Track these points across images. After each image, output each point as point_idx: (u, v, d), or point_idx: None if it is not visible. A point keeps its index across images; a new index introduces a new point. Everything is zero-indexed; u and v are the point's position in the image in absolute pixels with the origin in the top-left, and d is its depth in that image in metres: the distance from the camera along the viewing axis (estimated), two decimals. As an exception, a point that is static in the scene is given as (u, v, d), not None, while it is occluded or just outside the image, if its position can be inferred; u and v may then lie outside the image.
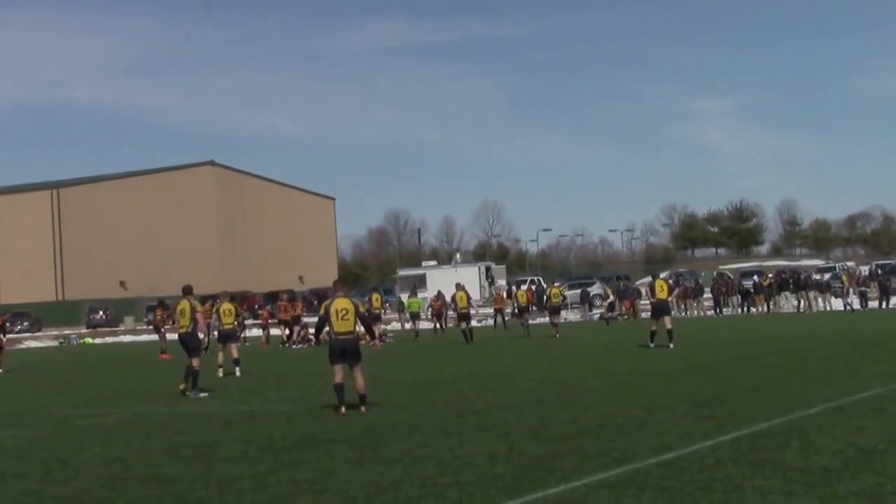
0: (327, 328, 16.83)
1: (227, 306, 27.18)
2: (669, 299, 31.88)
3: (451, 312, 49.31)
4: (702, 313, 60.07)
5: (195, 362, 21.71)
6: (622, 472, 10.11)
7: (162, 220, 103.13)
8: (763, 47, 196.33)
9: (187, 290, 22.89)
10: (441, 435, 13.37)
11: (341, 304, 16.47)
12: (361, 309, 16.88)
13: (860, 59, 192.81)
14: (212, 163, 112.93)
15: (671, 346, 28.37)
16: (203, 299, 36.22)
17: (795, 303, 57.09)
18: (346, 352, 16.42)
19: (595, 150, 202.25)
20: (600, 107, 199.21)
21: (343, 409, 16.27)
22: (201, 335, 24.39)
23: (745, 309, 57.88)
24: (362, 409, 16.50)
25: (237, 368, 26.47)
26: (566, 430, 13.14)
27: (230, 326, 27.28)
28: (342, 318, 16.36)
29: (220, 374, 25.73)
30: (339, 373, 16.46)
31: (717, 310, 59.21)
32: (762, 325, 42.01)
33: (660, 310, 29.70)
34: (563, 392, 18.24)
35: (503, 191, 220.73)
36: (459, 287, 40.47)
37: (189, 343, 22.12)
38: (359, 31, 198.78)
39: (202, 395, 21.42)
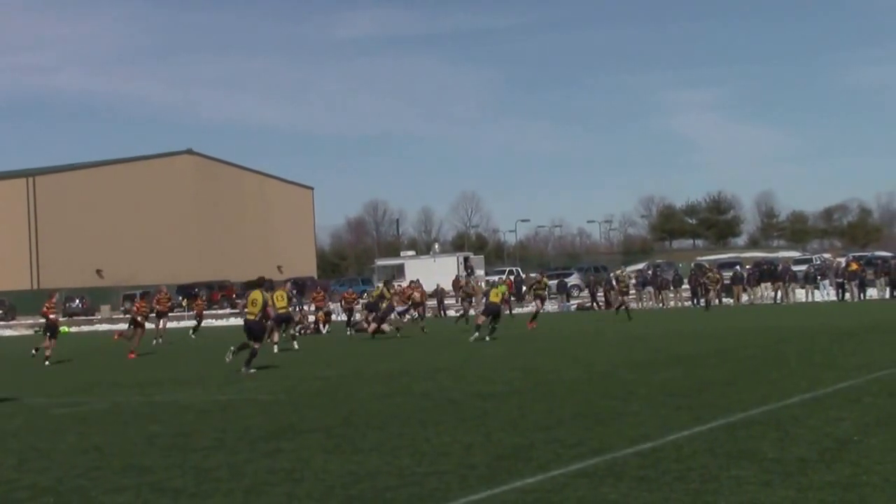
0: None
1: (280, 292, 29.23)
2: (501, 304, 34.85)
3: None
4: (679, 304, 60.27)
5: (256, 345, 24.03)
6: (600, 461, 10.11)
7: (139, 208, 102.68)
8: (742, 39, 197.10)
9: (259, 283, 24.85)
10: (418, 425, 13.36)
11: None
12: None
13: (839, 52, 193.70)
14: (190, 151, 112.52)
15: (488, 339, 31.67)
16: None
17: (773, 294, 57.34)
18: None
19: (574, 141, 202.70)
20: (579, 98, 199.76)
21: None
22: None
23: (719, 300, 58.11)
24: None
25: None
26: (544, 421, 13.13)
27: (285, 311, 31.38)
28: None
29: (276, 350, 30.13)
30: None
31: (695, 301, 59.39)
32: (740, 316, 42.13)
33: (492, 310, 32.91)
34: (540, 383, 18.25)
35: (482, 181, 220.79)
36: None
37: (255, 329, 24.12)
38: (341, 21, 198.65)
39: (252, 370, 23.39)
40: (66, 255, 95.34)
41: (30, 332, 69.40)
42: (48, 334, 31.95)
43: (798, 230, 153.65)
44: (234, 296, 79.71)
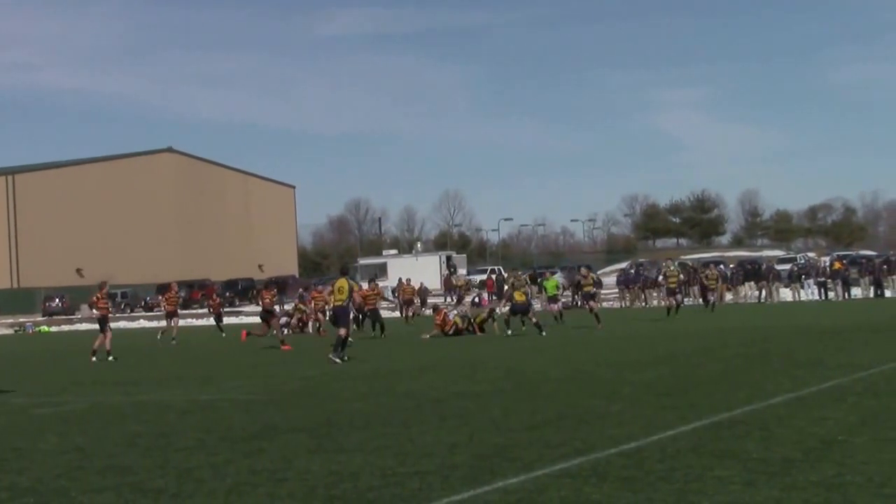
0: None
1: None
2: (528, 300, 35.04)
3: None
4: (663, 303, 60.26)
5: (342, 332, 25.03)
6: (583, 461, 10.07)
7: (120, 207, 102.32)
8: (727, 38, 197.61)
9: (345, 271, 26.97)
10: (401, 424, 13.29)
11: None
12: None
13: (823, 50, 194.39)
14: (170, 150, 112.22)
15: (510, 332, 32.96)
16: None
17: (757, 293, 57.43)
18: None
19: (557, 139, 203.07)
20: (563, 97, 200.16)
21: None
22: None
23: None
24: None
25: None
26: (527, 420, 13.09)
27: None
28: None
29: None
30: None
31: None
32: (724, 315, 42.15)
33: (520, 310, 33.30)
34: (524, 382, 18.21)
35: (465, 180, 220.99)
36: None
37: (340, 315, 25.55)
38: (324, 19, 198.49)
39: (344, 359, 24.40)
40: (47, 254, 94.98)
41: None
42: (105, 328, 30.16)
43: (782, 229, 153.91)
44: (214, 295, 79.57)
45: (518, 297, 33.28)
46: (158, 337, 41.23)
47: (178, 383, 21.42)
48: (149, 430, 14.09)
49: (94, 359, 29.59)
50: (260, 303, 39.70)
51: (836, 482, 8.69)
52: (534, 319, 33.31)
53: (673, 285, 41.05)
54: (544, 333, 32.29)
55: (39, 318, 79.12)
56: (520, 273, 43.26)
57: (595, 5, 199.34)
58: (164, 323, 45.53)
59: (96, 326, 31.92)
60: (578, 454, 10.47)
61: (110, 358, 29.56)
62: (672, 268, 42.70)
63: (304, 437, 12.60)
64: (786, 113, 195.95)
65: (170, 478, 10.39)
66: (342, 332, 25.10)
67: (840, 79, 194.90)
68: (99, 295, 30.83)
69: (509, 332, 32.56)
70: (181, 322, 46.49)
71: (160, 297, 47.67)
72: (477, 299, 58.11)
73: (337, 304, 25.71)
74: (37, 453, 12.48)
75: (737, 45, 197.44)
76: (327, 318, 47.20)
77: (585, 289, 38.41)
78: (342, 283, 25.76)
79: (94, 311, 31.04)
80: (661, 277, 44.16)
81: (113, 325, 42.87)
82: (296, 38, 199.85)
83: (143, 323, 67.19)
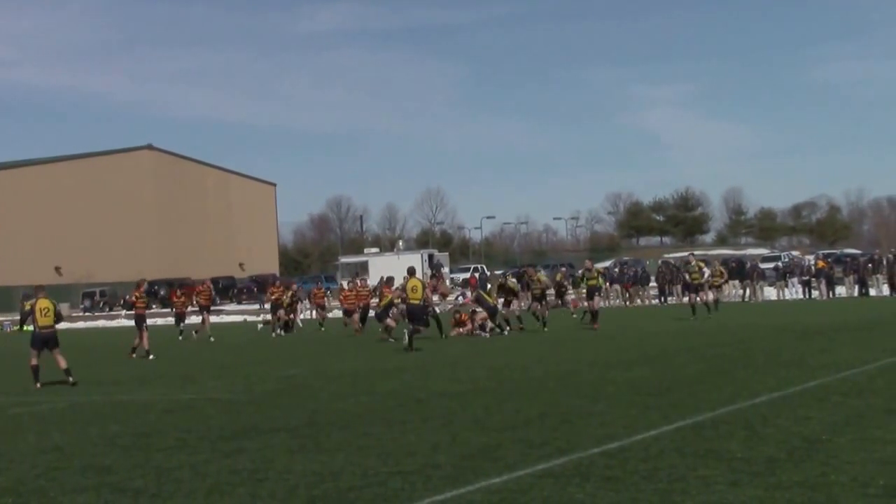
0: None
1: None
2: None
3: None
4: (647, 302, 60.30)
5: (420, 328, 27.17)
6: (566, 461, 10.03)
7: (98, 205, 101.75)
8: (711, 35, 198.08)
9: (412, 272, 28.30)
10: (383, 424, 13.24)
11: (44, 304, 21.35)
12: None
13: (808, 48, 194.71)
14: (150, 147, 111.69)
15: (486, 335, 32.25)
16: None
17: (741, 292, 57.48)
18: (48, 340, 21.30)
19: (540, 137, 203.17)
20: (546, 94, 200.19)
21: (39, 385, 21.04)
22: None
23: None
24: (70, 379, 21.06)
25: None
26: (510, 420, 13.05)
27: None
28: (44, 315, 21.19)
29: None
30: (36, 357, 21.25)
31: (662, 298, 59.44)
32: (707, 314, 42.10)
33: (493, 310, 32.92)
34: (506, 382, 18.17)
35: (447, 178, 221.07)
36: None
37: (417, 313, 27.20)
38: (305, 16, 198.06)
39: (414, 349, 25.87)
40: (24, 252, 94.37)
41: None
42: (142, 327, 29.76)
43: (766, 227, 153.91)
44: (195, 293, 79.38)
45: (490, 300, 33.17)
46: (209, 337, 39.03)
47: (159, 383, 21.32)
48: (128, 429, 14.02)
49: (133, 356, 29.38)
50: (267, 298, 42.04)
51: (820, 482, 8.67)
52: (497, 321, 33.11)
53: (697, 282, 39.90)
54: (505, 333, 32.46)
55: (17, 317, 78.67)
56: (536, 270, 42.60)
57: (577, 3, 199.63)
58: (196, 320, 43.81)
59: (64, 325, 31.71)
60: (561, 454, 10.43)
61: (150, 356, 29.14)
62: (693, 263, 41.93)
63: (285, 437, 12.54)
64: (770, 110, 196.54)
65: (150, 478, 10.33)
66: (420, 328, 27.04)
67: (825, 76, 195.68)
68: (137, 294, 30.49)
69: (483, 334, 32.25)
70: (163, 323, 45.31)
71: (193, 291, 46.50)
72: (461, 298, 57.98)
73: (413, 303, 27.20)
74: (15, 453, 12.40)
75: (721, 42, 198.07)
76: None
77: (590, 283, 36.16)
78: (415, 282, 27.37)
79: (133, 309, 30.84)
80: (686, 276, 42.74)
81: (92, 324, 42.41)
82: (277, 34, 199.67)
83: (122, 322, 66.88)
